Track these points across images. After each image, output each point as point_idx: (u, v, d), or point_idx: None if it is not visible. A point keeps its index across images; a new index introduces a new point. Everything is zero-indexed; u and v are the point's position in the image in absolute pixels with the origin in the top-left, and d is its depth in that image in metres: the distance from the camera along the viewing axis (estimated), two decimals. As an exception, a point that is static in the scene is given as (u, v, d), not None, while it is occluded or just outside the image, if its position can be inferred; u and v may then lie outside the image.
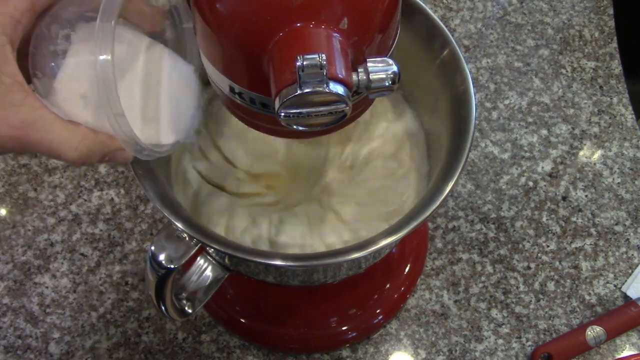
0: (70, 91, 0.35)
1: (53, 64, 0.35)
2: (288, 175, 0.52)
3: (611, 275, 0.65)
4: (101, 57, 0.32)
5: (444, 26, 0.47)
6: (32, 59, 0.35)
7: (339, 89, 0.30)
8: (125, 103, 0.33)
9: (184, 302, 0.47)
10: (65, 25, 0.35)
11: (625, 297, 0.64)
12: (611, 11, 0.81)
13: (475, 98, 0.44)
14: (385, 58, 0.32)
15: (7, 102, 0.32)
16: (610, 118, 0.74)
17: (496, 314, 0.62)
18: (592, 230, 0.67)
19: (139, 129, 0.36)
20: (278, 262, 0.39)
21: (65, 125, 0.34)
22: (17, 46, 0.33)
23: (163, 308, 0.45)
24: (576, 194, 0.69)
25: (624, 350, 0.61)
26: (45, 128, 0.33)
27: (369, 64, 0.31)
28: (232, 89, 0.35)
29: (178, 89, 0.39)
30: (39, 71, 0.35)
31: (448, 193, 0.41)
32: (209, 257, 0.47)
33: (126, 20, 0.37)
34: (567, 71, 0.77)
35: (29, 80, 0.34)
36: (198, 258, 0.46)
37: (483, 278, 0.64)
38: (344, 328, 0.61)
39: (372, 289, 0.62)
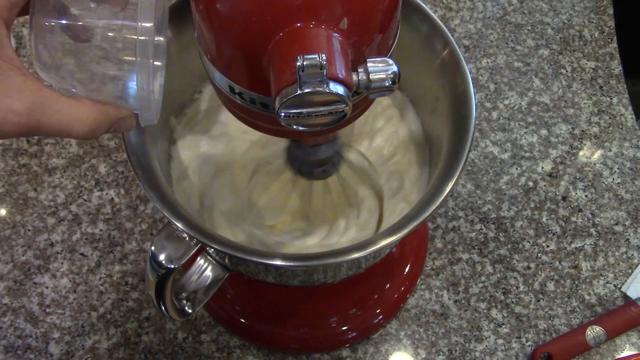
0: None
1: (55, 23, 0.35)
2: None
3: (611, 275, 0.65)
4: (144, 24, 0.33)
5: (444, 26, 0.47)
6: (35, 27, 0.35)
7: (339, 89, 0.30)
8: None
9: (184, 302, 0.47)
10: None
11: (625, 297, 0.64)
12: (611, 11, 0.81)
13: (475, 98, 0.45)
14: (385, 58, 0.32)
15: (8, 88, 0.32)
16: (610, 118, 0.74)
17: (496, 314, 0.62)
18: (592, 230, 0.67)
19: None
20: (278, 262, 0.39)
21: (70, 102, 0.34)
22: (11, 28, 0.33)
23: (163, 308, 0.45)
24: (576, 194, 0.69)
25: (624, 350, 0.61)
26: (53, 108, 0.33)
27: (369, 64, 0.31)
28: (232, 89, 0.35)
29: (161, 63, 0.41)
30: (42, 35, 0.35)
31: (448, 193, 0.41)
32: (209, 257, 0.47)
33: None
34: (567, 71, 0.77)
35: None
36: (198, 258, 0.46)
37: (483, 278, 0.64)
38: (344, 328, 0.60)
39: (372, 289, 0.62)
